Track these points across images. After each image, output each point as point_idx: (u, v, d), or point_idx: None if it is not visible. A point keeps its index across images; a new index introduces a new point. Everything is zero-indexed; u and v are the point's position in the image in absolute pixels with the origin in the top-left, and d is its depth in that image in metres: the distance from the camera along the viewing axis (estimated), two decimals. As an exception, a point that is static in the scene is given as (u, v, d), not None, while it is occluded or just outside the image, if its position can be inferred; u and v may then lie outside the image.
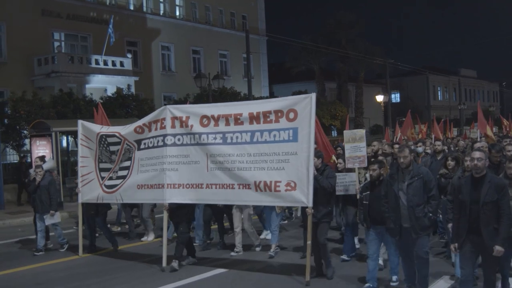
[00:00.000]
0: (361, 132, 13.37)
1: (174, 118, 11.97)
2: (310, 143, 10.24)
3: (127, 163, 13.00)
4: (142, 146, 12.66)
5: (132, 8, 47.42)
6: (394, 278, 10.17)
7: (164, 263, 11.97)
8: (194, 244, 13.81)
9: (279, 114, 10.67)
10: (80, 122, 14.48)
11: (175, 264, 11.87)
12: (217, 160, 11.28)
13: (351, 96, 63.11)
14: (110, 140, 13.47)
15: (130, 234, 16.27)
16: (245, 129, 11.05)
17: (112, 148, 13.40)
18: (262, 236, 15.10)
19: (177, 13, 51.84)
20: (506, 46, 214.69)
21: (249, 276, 11.51)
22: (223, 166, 11.20)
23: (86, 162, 14.01)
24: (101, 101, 31.61)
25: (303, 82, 58.04)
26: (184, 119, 11.82)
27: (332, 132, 51.28)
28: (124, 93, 35.97)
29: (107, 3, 45.38)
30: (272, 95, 55.41)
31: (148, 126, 12.57)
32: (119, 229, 17.69)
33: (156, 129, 12.33)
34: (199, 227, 14.62)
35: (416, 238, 8.93)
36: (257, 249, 13.77)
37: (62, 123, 25.84)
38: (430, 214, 8.97)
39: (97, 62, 40.42)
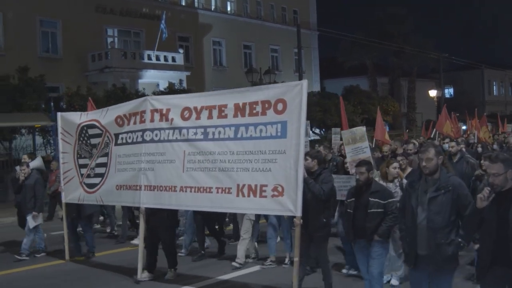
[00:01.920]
0: (361, 130, 11.63)
1: (154, 110, 10.43)
2: (300, 139, 8.38)
3: (103, 159, 11.56)
4: (119, 141, 11.21)
5: (183, 4, 47.75)
6: None
7: (138, 275, 10.56)
8: (180, 254, 12.22)
9: (266, 106, 8.83)
10: (59, 114, 13.15)
11: (170, 274, 10.72)
12: (196, 159, 9.65)
13: (404, 91, 62.20)
14: (91, 132, 11.97)
15: (120, 238, 14.78)
16: (229, 123, 9.30)
17: (93, 141, 11.92)
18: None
19: (229, 8, 51.92)
20: None
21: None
22: (202, 166, 9.54)
23: (67, 158, 12.64)
24: (153, 96, 31.84)
25: (355, 77, 57.43)
26: (164, 111, 10.27)
27: (385, 127, 50.67)
28: (176, 87, 36.24)
29: (160, -1, 45.71)
30: (323, 90, 54.98)
31: (128, 118, 11.04)
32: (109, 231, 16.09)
33: (135, 122, 10.83)
34: (188, 234, 13.09)
35: (435, 272, 6.84)
36: (249, 260, 11.94)
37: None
38: (460, 240, 6.66)
39: (149, 58, 40.87)
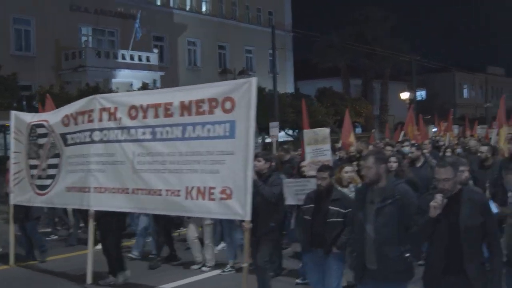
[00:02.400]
0: (324, 132, 11.14)
1: (103, 109, 9.83)
2: (249, 140, 7.87)
3: (55, 160, 10.93)
4: (69, 142, 10.58)
5: (159, 4, 47.77)
6: None
7: (88, 280, 9.95)
8: (131, 255, 12.01)
9: (214, 104, 8.30)
10: (13, 113, 12.47)
11: (120, 277, 10.20)
12: (145, 160, 9.10)
13: (376, 93, 62.73)
14: (39, 131, 11.39)
15: (70, 239, 14.16)
16: (176, 122, 8.76)
17: (40, 141, 11.33)
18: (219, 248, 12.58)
19: (204, 9, 51.98)
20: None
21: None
22: (151, 168, 9.00)
23: (18, 158, 12.02)
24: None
25: (329, 79, 57.73)
26: (112, 110, 9.67)
27: (356, 129, 51.05)
28: (150, 88, 36.25)
29: (135, -2, 45.68)
30: (297, 91, 55.23)
31: (74, 118, 10.41)
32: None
33: (83, 122, 10.21)
34: (140, 236, 12.45)
35: (384, 286, 6.28)
36: (203, 268, 11.27)
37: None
38: (407, 255, 6.15)
39: (123, 57, 40.96)
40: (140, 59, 42.01)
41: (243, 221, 8.09)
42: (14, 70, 30.71)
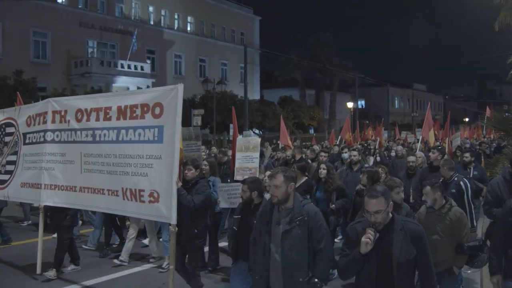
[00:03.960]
0: (256, 140, 10.01)
1: (55, 112, 8.86)
2: (175, 145, 6.82)
3: (13, 157, 9.94)
4: (27, 141, 9.66)
5: (152, 23, 47.76)
6: None
7: (38, 270, 8.98)
8: (87, 247, 11.05)
9: (145, 109, 7.26)
10: None
11: (51, 273, 9.00)
12: (90, 161, 8.14)
13: (327, 102, 63.49)
14: (7, 130, 10.32)
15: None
16: (112, 126, 7.77)
17: (7, 139, 10.28)
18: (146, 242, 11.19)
19: (188, 28, 52.10)
20: (451, 66, 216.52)
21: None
22: (95, 168, 8.03)
23: None
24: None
25: (288, 88, 58.30)
26: (63, 113, 8.71)
27: (310, 130, 51.77)
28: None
29: (132, 18, 45.66)
30: (262, 98, 55.67)
31: (34, 119, 9.52)
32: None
33: (39, 123, 9.31)
34: (97, 228, 11.36)
35: None
36: (151, 260, 10.26)
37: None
38: (316, 280, 4.81)
39: (122, 66, 40.89)
40: (135, 68, 42.01)
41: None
42: (33, 75, 30.60)
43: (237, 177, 9.39)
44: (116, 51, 44.03)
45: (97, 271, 9.57)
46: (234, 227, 6.42)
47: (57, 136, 8.76)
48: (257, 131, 43.31)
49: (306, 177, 9.32)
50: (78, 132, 8.32)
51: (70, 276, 9.22)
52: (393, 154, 16.08)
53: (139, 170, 7.21)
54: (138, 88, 37.74)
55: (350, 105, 52.87)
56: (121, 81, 40.23)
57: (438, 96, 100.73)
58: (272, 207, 5.04)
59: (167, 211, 6.85)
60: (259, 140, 10.25)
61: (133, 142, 7.36)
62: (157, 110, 7.07)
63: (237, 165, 9.75)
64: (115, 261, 9.95)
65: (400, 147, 16.24)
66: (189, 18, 51.91)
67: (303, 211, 4.88)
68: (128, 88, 39.72)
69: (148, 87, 40.39)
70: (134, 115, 7.39)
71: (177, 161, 6.83)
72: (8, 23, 35.64)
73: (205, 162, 10.14)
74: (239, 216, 6.45)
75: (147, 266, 9.96)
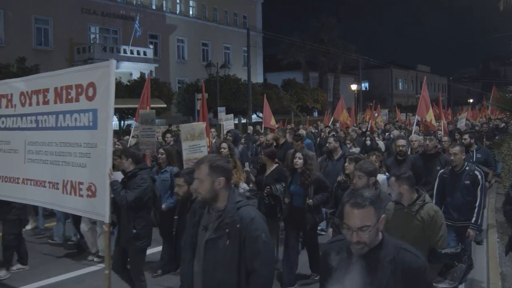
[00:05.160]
0: (201, 126, 8.80)
1: (1, 96, 7.55)
2: (107, 132, 5.80)
3: None
4: None
5: (154, 8, 47.40)
6: None
7: None
8: (53, 241, 10.28)
9: (79, 90, 6.18)
10: None
11: (1, 273, 8.28)
12: (34, 149, 6.94)
13: (330, 84, 63.17)
14: None
15: None
16: (51, 110, 6.62)
17: None
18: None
19: (191, 12, 51.71)
20: (455, 47, 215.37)
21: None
22: (38, 158, 6.85)
23: None
24: (128, 83, 32.14)
25: (291, 71, 58.00)
26: (9, 97, 7.41)
27: (314, 113, 51.52)
28: (146, 77, 36.20)
29: (134, 3, 45.35)
30: (265, 81, 55.46)
31: None
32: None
33: None
34: (59, 221, 10.40)
35: None
36: (95, 259, 9.17)
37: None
38: None
39: (125, 51, 40.73)
40: (138, 53, 41.82)
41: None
42: (35, 62, 30.38)
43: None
44: (119, 36, 43.80)
45: (64, 266, 8.83)
46: (174, 230, 5.62)
47: (3, 122, 7.54)
48: (261, 115, 43.11)
49: (277, 164, 8.32)
50: (24, 118, 7.11)
51: (22, 276, 8.29)
52: (392, 136, 15.21)
53: (78, 160, 6.16)
54: (141, 73, 37.63)
55: (354, 87, 52.54)
56: (124, 67, 40.04)
57: (442, 77, 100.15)
58: (204, 206, 3.82)
59: (102, 207, 5.80)
60: (203, 125, 9.03)
61: (71, 129, 6.31)
62: (91, 91, 6.03)
63: (185, 156, 8.45)
64: (95, 259, 9.10)
65: (396, 131, 15.27)
66: (191, 2, 51.54)
67: (235, 216, 3.60)
68: (131, 74, 39.74)
69: (151, 72, 40.23)
70: (69, 97, 6.32)
71: (111, 150, 5.85)
72: (10, 10, 35.50)
73: (161, 150, 8.85)
74: (177, 217, 5.68)
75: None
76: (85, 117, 6.04)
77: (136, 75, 38.45)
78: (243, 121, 36.95)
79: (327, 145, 9.71)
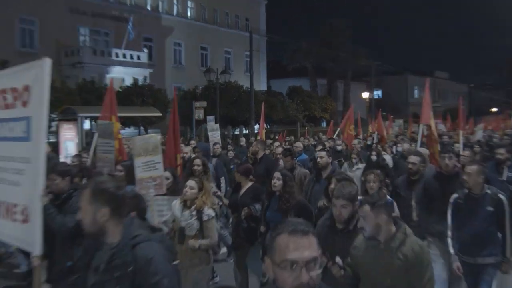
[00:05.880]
0: (155, 139, 7.81)
1: None
2: (40, 144, 5.24)
3: None
4: None
5: (149, 8, 47.69)
6: None
7: None
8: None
9: (15, 95, 5.59)
10: None
11: None
12: None
13: (340, 92, 63.19)
14: None
15: None
16: None
17: None
18: None
19: (189, 14, 51.97)
20: (476, 51, 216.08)
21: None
22: None
23: None
24: (120, 90, 32.27)
25: (297, 78, 58.08)
26: None
27: (322, 123, 51.48)
28: (140, 83, 36.40)
29: (127, 3, 45.61)
30: (269, 89, 55.52)
31: None
32: None
33: None
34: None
35: None
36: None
37: (86, 109, 26.12)
38: None
39: (117, 55, 40.89)
40: (131, 57, 42.00)
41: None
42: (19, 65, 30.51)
43: (141, 191, 7.09)
44: (110, 39, 44.00)
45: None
46: None
47: None
48: (264, 125, 43.06)
49: (252, 182, 7.86)
50: None
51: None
52: (399, 149, 14.58)
53: (12, 178, 5.54)
54: (135, 79, 37.70)
55: (365, 95, 52.56)
56: (116, 72, 40.15)
57: (462, 84, 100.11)
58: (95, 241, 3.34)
59: (33, 236, 5.19)
60: (158, 138, 8.08)
61: (7, 140, 5.70)
62: (25, 96, 5.46)
63: (137, 175, 7.51)
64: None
65: (406, 145, 14.25)
66: (189, 3, 51.82)
67: (127, 256, 3.10)
68: (123, 79, 39.75)
69: (145, 78, 40.38)
70: (6, 103, 5.74)
71: (43, 166, 5.24)
72: (-9, 9, 35.55)
73: (119, 166, 8.42)
74: None
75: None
76: (20, 126, 5.50)
77: (128, 81, 38.41)
78: (245, 131, 36.92)
79: (318, 160, 8.69)
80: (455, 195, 6.51)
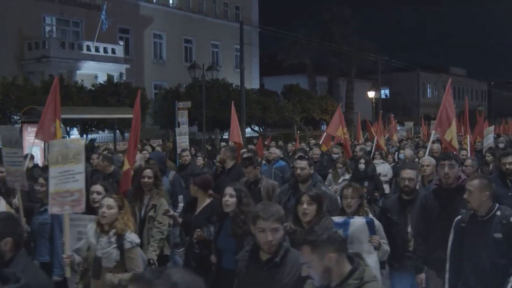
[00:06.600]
0: (78, 144, 6.93)
1: None
2: None
3: None
4: None
5: (125, -5, 47.08)
6: None
7: None
8: None
9: None
10: None
11: None
12: None
13: (342, 91, 62.92)
14: None
15: None
16: None
17: None
18: None
19: (170, 1, 51.54)
20: (496, 46, 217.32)
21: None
22: None
23: None
24: (93, 88, 31.75)
25: (294, 75, 57.71)
26: None
27: (322, 126, 51.10)
28: (115, 80, 35.92)
29: (100, -11, 45.03)
30: (262, 87, 55.23)
31: None
32: None
33: None
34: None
35: None
36: None
37: (53, 110, 25.48)
38: None
39: (88, 48, 40.37)
40: (105, 51, 41.49)
41: None
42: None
43: (53, 208, 6.53)
44: (81, 30, 43.51)
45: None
46: None
47: None
48: (256, 128, 42.70)
49: (211, 198, 7.31)
50: None
51: None
52: (401, 156, 14.66)
53: None
54: (109, 75, 37.10)
55: (371, 94, 52.19)
56: (87, 67, 39.74)
57: (481, 82, 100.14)
58: None
59: None
60: (82, 144, 7.13)
61: None
62: None
63: (51, 189, 6.64)
64: None
65: (409, 150, 14.29)
66: (171, -10, 51.37)
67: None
68: (96, 76, 39.31)
69: (121, 74, 39.89)
70: None
71: None
72: None
73: (41, 180, 7.93)
74: None
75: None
76: None
77: (102, 78, 37.80)
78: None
79: (298, 172, 7.83)
80: (458, 218, 5.90)
